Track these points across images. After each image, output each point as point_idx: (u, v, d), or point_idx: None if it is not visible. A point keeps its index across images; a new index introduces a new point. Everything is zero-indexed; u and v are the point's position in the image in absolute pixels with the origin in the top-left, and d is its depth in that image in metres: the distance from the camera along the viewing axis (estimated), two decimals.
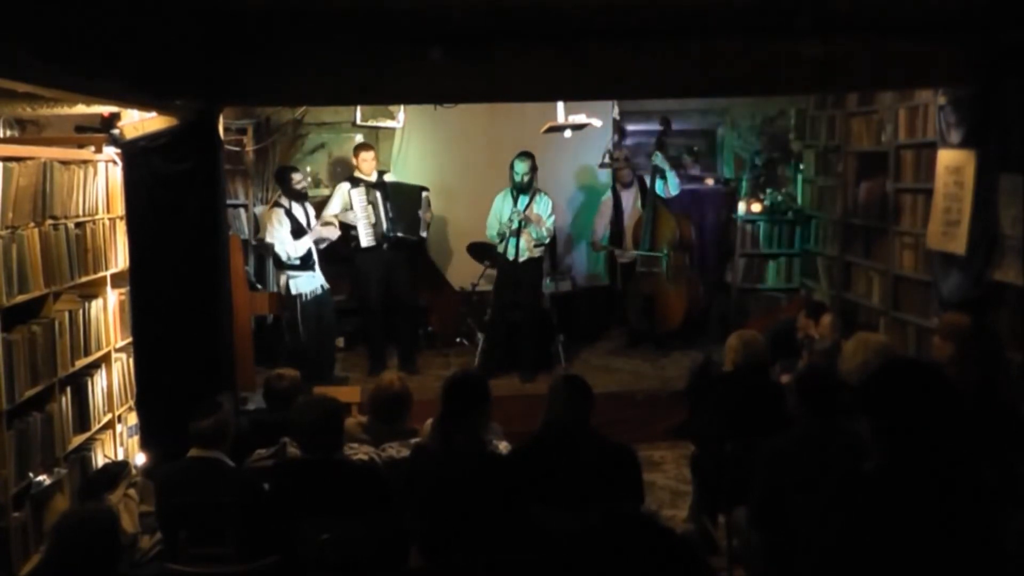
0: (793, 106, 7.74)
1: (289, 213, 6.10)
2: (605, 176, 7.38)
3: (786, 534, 2.96)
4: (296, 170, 6.36)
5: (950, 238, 4.88)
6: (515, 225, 6.39)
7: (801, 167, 7.75)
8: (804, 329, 5.12)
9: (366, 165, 6.52)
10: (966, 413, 2.73)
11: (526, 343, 6.54)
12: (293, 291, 6.13)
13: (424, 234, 6.72)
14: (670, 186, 6.83)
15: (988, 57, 4.31)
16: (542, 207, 6.51)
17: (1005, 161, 4.51)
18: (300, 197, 6.23)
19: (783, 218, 7.63)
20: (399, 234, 6.50)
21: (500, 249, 6.49)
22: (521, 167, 6.40)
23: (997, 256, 4.59)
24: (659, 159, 6.81)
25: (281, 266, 6.19)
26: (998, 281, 4.59)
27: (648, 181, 6.89)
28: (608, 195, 7.19)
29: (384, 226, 6.45)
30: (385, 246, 6.49)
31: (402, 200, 6.58)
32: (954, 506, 2.00)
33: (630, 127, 7.91)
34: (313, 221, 6.28)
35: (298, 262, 6.13)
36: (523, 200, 6.45)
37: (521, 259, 6.43)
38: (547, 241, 6.58)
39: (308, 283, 6.19)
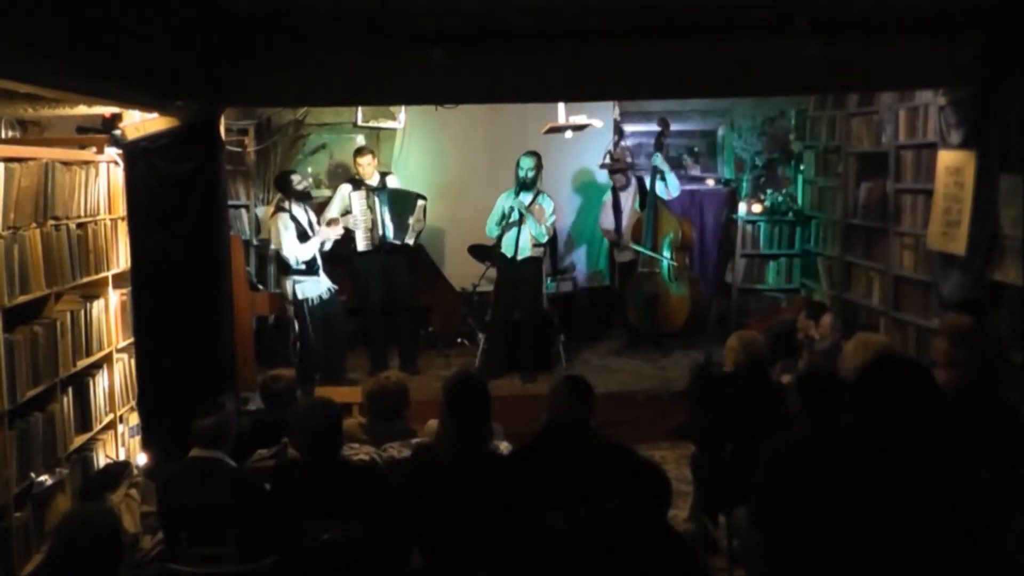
0: (793, 106, 7.75)
1: (293, 217, 6.08)
2: (605, 176, 7.38)
3: (786, 534, 2.96)
4: (293, 172, 6.34)
5: (950, 238, 4.88)
6: (515, 216, 6.39)
7: (801, 168, 7.75)
8: (804, 329, 5.12)
9: (363, 170, 6.49)
10: (955, 411, 2.73)
11: (527, 344, 6.55)
12: (300, 296, 6.10)
13: (411, 241, 6.59)
14: (670, 187, 6.84)
15: (988, 57, 4.32)
16: (544, 206, 6.51)
17: (1005, 161, 4.50)
18: (303, 198, 6.20)
19: (783, 219, 7.64)
20: (393, 240, 6.49)
21: (496, 239, 6.48)
22: (527, 163, 6.41)
23: (997, 256, 4.59)
24: (659, 160, 6.83)
25: (287, 271, 6.15)
26: (998, 281, 4.59)
27: (647, 182, 6.90)
28: (608, 195, 7.20)
29: (380, 230, 6.44)
30: (382, 251, 6.48)
31: (397, 206, 6.54)
32: (948, 504, 2.01)
33: (630, 128, 7.91)
34: (315, 224, 6.27)
35: (304, 267, 6.12)
36: (525, 195, 6.45)
37: (520, 256, 6.44)
38: (544, 240, 6.57)
39: (314, 288, 6.16)
